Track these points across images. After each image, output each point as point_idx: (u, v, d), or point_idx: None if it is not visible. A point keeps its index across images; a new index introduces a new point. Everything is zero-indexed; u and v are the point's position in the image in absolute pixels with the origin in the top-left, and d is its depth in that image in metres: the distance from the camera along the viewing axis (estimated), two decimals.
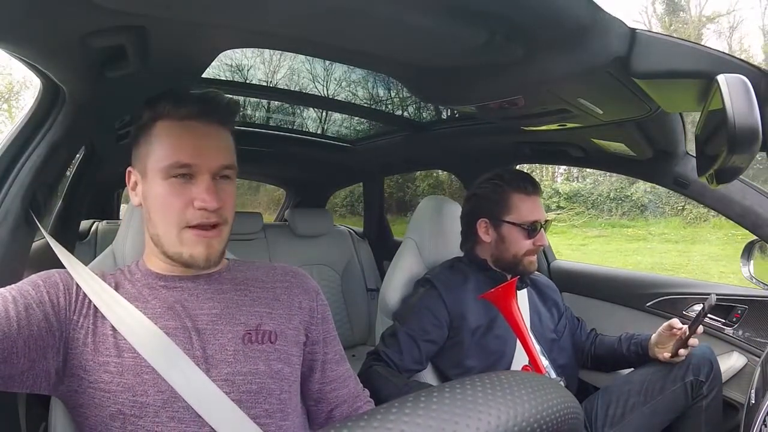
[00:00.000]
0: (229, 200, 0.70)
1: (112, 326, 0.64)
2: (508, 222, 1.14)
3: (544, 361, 1.15)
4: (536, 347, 1.15)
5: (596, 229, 9.05)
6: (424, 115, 1.64)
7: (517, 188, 1.15)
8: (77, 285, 0.66)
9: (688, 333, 1.02)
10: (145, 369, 0.62)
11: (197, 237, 0.68)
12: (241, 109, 1.70)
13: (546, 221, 1.16)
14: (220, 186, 0.69)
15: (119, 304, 0.66)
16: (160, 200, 0.68)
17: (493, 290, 0.98)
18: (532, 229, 1.13)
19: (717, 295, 1.02)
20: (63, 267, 0.70)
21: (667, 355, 1.06)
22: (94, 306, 0.65)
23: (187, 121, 0.69)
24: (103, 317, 0.65)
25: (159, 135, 0.69)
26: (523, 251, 1.14)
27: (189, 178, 0.67)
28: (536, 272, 1.37)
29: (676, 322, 1.08)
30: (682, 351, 1.04)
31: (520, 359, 1.10)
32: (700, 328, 1.03)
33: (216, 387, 0.63)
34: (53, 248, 0.74)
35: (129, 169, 0.74)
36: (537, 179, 1.20)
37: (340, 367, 0.82)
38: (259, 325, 0.71)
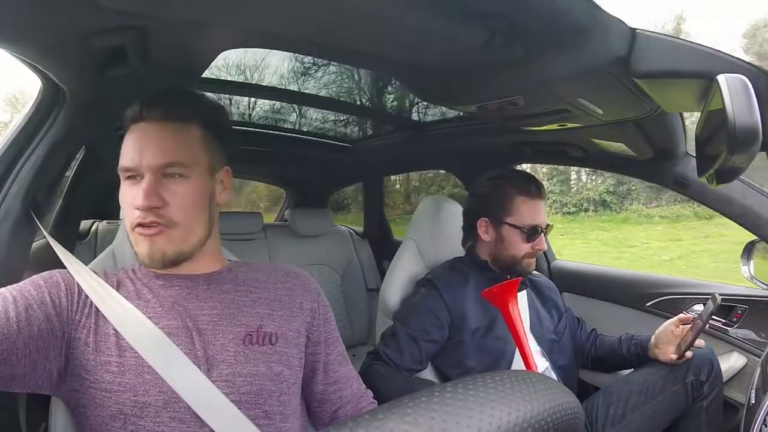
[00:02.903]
0: (175, 200, 0.67)
1: (114, 326, 0.64)
2: (509, 224, 1.14)
3: (545, 362, 1.15)
4: (536, 348, 1.15)
5: None
6: (424, 115, 1.64)
7: (520, 190, 1.14)
8: (78, 285, 0.66)
9: (695, 333, 1.02)
10: (146, 369, 0.62)
11: (139, 236, 0.67)
12: (241, 109, 1.71)
13: (547, 226, 1.16)
14: (166, 185, 0.67)
15: (120, 303, 0.66)
16: (120, 201, 0.70)
17: (494, 287, 0.97)
18: (532, 233, 1.13)
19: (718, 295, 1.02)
20: (63, 267, 0.70)
21: (673, 357, 1.05)
22: (96, 306, 0.65)
23: (135, 123, 0.69)
24: (105, 317, 0.65)
25: (125, 139, 0.70)
26: (521, 254, 1.14)
27: (138, 179, 0.68)
28: (536, 272, 1.37)
29: (686, 317, 1.08)
30: (687, 353, 1.04)
31: (519, 360, 1.10)
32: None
33: (216, 388, 0.63)
34: (53, 248, 0.74)
35: None
36: None
37: (343, 367, 0.82)
38: (260, 327, 0.71)
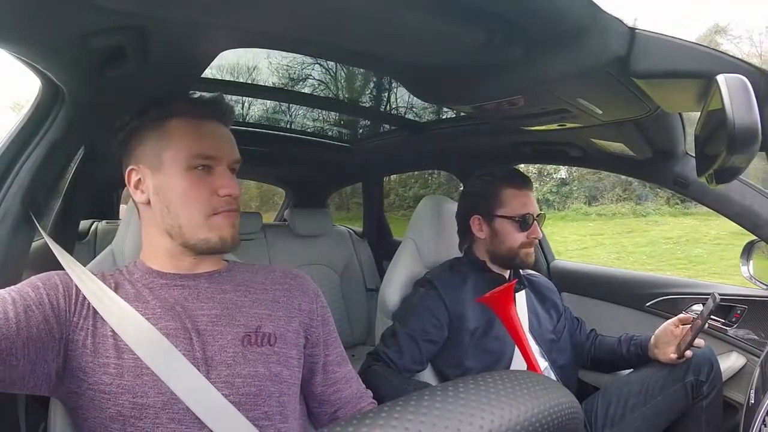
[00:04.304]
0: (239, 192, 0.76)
1: (112, 327, 0.64)
2: (500, 216, 1.15)
3: (543, 363, 1.15)
4: (535, 348, 1.15)
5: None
6: (424, 115, 1.64)
7: (507, 183, 1.17)
8: (77, 286, 0.66)
9: (694, 333, 1.02)
10: (144, 370, 0.62)
11: (226, 220, 0.72)
12: (242, 109, 1.71)
13: (539, 215, 1.16)
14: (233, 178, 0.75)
15: (118, 305, 0.66)
16: (184, 192, 0.70)
17: (488, 294, 0.97)
18: (524, 222, 1.14)
19: (717, 295, 1.02)
20: (62, 268, 0.70)
21: (672, 356, 1.05)
22: (94, 307, 0.65)
23: (203, 120, 0.73)
24: (100, 318, 0.64)
25: (177, 131, 0.71)
26: (517, 244, 1.15)
27: (209, 170, 0.71)
28: (535, 272, 1.38)
29: (685, 317, 1.08)
30: (687, 352, 1.04)
31: (518, 360, 1.10)
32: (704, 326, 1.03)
33: (215, 389, 0.63)
34: (52, 249, 0.74)
35: (131, 167, 0.73)
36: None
37: (342, 368, 0.82)
38: (259, 328, 0.71)
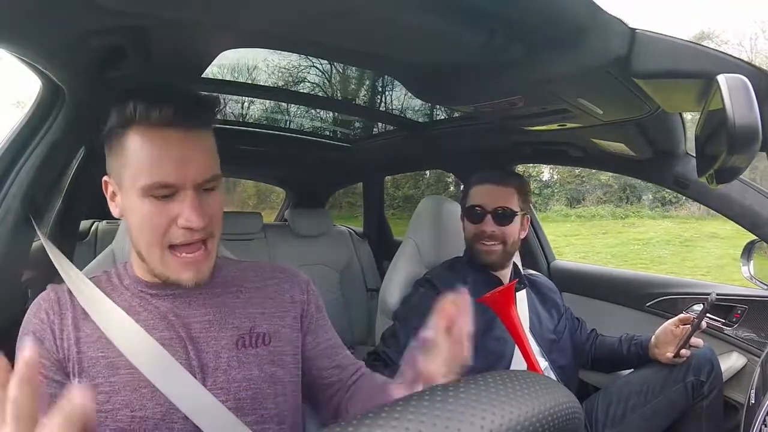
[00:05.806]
0: (215, 213, 0.65)
1: (101, 347, 0.62)
2: (462, 209, 1.20)
3: (543, 363, 1.14)
4: (535, 348, 1.15)
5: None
6: (424, 115, 1.64)
7: (479, 179, 1.19)
8: (52, 330, 0.63)
9: (689, 332, 1.02)
10: (142, 383, 0.61)
11: (183, 263, 0.63)
12: (241, 109, 1.71)
13: (499, 209, 1.13)
14: (205, 199, 0.63)
15: (115, 314, 0.64)
16: (141, 219, 0.62)
17: (489, 294, 0.97)
18: (471, 212, 1.15)
19: (717, 294, 1.02)
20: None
21: (669, 355, 1.06)
22: (75, 333, 0.63)
23: (163, 128, 0.60)
24: (86, 342, 0.63)
25: (133, 145, 0.61)
26: (470, 236, 1.17)
27: (172, 196, 0.61)
28: (536, 272, 1.38)
29: (686, 317, 1.08)
30: (683, 351, 1.04)
31: (519, 360, 1.10)
32: (703, 324, 1.03)
33: (212, 396, 0.63)
34: (50, 256, 0.73)
35: (105, 178, 0.67)
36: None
37: (345, 350, 0.81)
38: (252, 328, 0.70)
